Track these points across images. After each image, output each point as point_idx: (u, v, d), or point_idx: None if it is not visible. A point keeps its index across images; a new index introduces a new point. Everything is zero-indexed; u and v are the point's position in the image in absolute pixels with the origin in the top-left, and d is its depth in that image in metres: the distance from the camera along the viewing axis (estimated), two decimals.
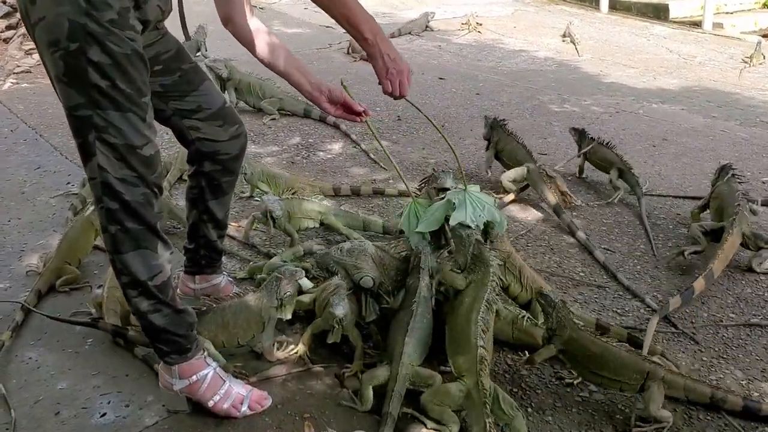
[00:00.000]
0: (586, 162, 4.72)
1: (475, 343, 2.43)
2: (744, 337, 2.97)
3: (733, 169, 3.99)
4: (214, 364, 2.48)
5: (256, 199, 4.29)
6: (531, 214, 4.20)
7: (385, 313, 2.82)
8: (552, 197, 4.09)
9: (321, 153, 5.23)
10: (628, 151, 5.35)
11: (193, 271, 3.00)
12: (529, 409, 2.52)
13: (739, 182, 3.87)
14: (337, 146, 5.38)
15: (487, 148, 4.72)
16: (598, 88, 7.39)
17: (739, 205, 3.59)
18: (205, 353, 2.48)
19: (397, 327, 2.60)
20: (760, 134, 5.85)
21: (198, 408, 2.45)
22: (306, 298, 2.87)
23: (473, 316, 2.50)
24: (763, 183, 4.70)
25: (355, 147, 5.34)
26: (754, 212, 3.69)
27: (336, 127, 5.76)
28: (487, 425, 2.23)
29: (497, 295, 2.64)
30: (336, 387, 2.61)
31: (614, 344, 2.55)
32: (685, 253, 3.55)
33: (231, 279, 3.14)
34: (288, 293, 2.74)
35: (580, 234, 3.84)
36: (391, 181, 4.62)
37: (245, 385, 2.52)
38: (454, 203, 2.77)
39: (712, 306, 3.21)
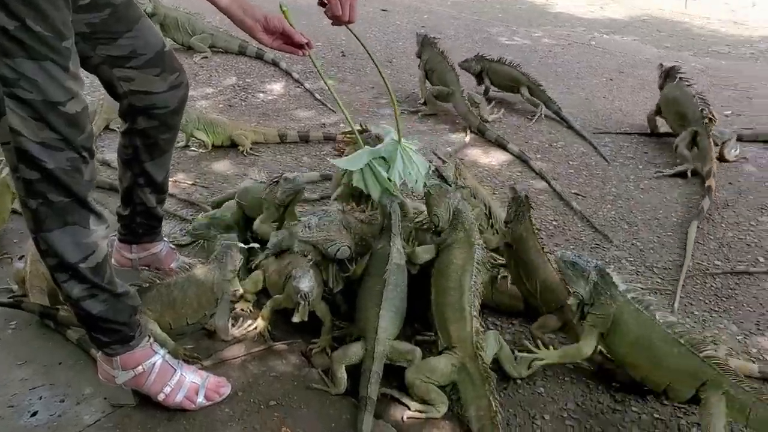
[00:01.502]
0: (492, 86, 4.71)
1: (470, 311, 2.18)
2: (733, 286, 2.81)
3: (681, 71, 4.14)
4: (162, 351, 2.15)
5: (192, 148, 3.88)
6: (494, 158, 3.93)
7: (350, 281, 2.52)
8: (474, 118, 4.23)
9: (261, 94, 4.81)
10: (585, 85, 5.16)
11: (128, 239, 2.62)
12: (519, 381, 2.29)
13: (687, 84, 4.04)
14: (278, 86, 4.96)
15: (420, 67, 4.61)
16: (546, 18, 7.12)
17: (703, 110, 3.83)
18: (151, 339, 2.14)
19: (367, 297, 2.30)
20: (714, 65, 5.71)
21: (146, 399, 2.13)
22: (256, 279, 2.57)
23: (466, 281, 2.23)
24: (727, 117, 4.54)
25: (298, 87, 4.94)
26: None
27: (275, 64, 5.33)
28: (493, 405, 1.99)
29: (486, 255, 2.38)
30: (303, 367, 2.32)
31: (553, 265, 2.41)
32: (687, 172, 3.75)
33: (172, 246, 2.77)
34: (239, 260, 2.44)
35: (512, 147, 3.96)
36: (342, 125, 4.26)
37: (199, 372, 2.20)
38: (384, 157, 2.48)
39: (695, 253, 3.03)
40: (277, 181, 2.79)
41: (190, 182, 3.53)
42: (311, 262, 2.37)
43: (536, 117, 4.43)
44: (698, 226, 3.17)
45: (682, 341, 2.03)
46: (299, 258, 2.43)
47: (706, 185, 3.49)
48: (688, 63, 5.72)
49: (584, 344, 2.14)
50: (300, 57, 2.26)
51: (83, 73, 1.84)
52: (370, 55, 2.39)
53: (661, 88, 4.22)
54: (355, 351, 2.21)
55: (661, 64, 4.32)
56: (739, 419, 2.00)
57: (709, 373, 2.00)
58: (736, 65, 5.74)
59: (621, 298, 2.09)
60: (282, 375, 2.28)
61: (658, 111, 4.20)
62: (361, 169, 2.48)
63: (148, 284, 2.34)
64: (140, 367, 2.08)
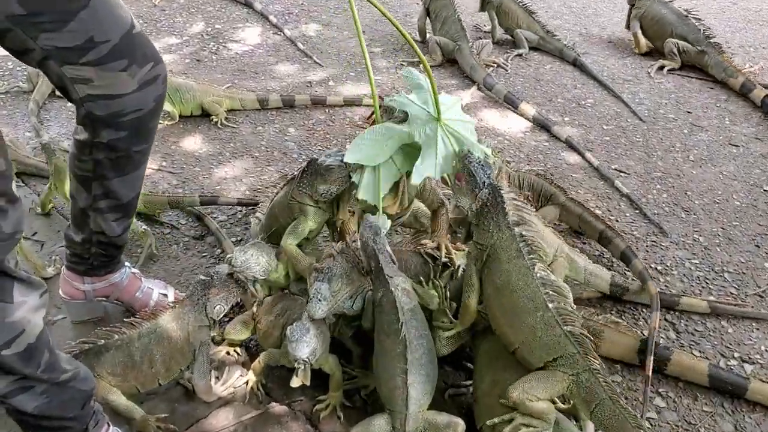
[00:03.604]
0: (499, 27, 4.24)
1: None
2: None
3: None
4: None
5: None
6: (514, 124, 3.34)
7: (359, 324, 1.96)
8: (482, 71, 3.70)
9: (234, 45, 4.12)
10: (605, 24, 4.57)
11: (79, 270, 2.05)
12: None
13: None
14: (253, 33, 4.28)
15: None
16: None
17: (704, 30, 3.83)
18: (111, 430, 1.62)
19: (388, 362, 1.73)
20: None
21: None
22: (242, 325, 2.03)
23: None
24: None
25: (276, 33, 4.27)
26: None
27: (248, 5, 4.63)
28: None
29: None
30: None
31: None
32: (665, 69, 3.86)
33: (135, 271, 2.19)
34: (219, 305, 1.88)
35: (525, 107, 3.42)
36: (331, 83, 3.63)
37: None
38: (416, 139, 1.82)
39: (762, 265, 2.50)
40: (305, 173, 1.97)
41: (155, 167, 2.92)
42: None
43: (512, 55, 4.05)
44: None
45: (551, 306, 1.64)
46: (295, 304, 1.90)
47: (760, 98, 3.50)
48: None
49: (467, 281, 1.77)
50: None
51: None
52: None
53: (632, 4, 4.07)
54: (379, 427, 1.70)
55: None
56: (582, 409, 1.64)
57: (567, 350, 1.62)
58: None
59: (506, 231, 1.72)
60: None
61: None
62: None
63: (103, 341, 1.80)
64: None
